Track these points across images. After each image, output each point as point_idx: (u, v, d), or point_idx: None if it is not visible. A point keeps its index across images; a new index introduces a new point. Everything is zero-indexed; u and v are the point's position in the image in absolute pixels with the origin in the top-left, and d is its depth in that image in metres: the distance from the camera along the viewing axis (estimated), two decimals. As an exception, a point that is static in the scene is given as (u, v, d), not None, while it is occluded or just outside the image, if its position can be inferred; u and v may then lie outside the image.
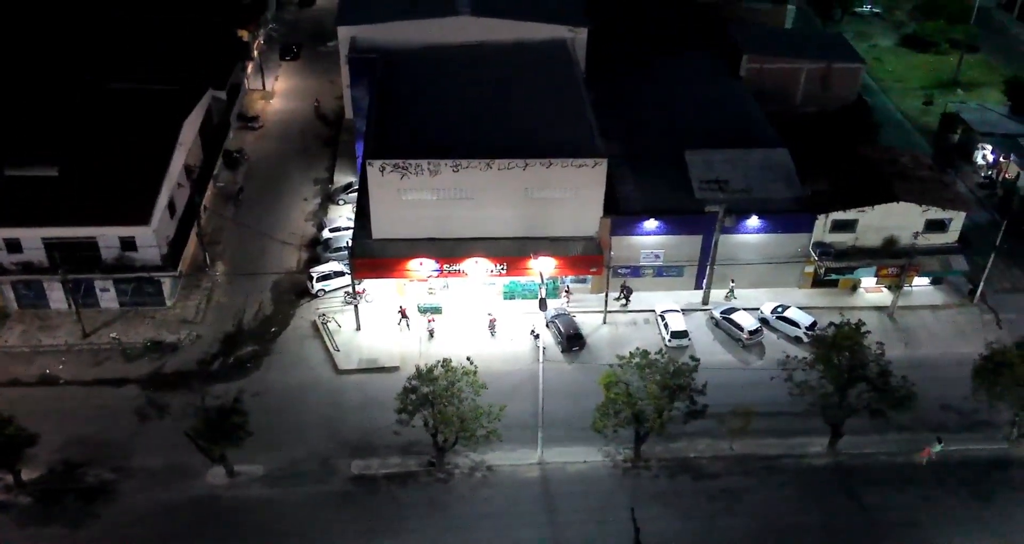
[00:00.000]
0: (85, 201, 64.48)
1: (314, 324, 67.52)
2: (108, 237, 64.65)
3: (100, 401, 60.82)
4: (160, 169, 67.68)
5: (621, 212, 66.63)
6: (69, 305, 66.71)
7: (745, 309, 67.48)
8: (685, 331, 65.50)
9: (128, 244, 64.96)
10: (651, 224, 66.46)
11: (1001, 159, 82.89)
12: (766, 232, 67.44)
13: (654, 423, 53.90)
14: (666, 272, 69.36)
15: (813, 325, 65.16)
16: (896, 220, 66.85)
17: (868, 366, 54.63)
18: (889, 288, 69.76)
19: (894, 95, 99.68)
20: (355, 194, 74.70)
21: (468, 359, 54.42)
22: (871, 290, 70.65)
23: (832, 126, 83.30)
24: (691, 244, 67.89)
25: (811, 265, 69.27)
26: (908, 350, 65.01)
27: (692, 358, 55.88)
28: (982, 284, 69.55)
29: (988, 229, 73.49)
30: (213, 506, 54.53)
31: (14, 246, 64.39)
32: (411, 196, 64.12)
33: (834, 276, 69.66)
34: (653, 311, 68.26)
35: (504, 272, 66.08)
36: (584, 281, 69.37)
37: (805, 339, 64.48)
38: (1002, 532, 53.54)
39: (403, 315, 66.30)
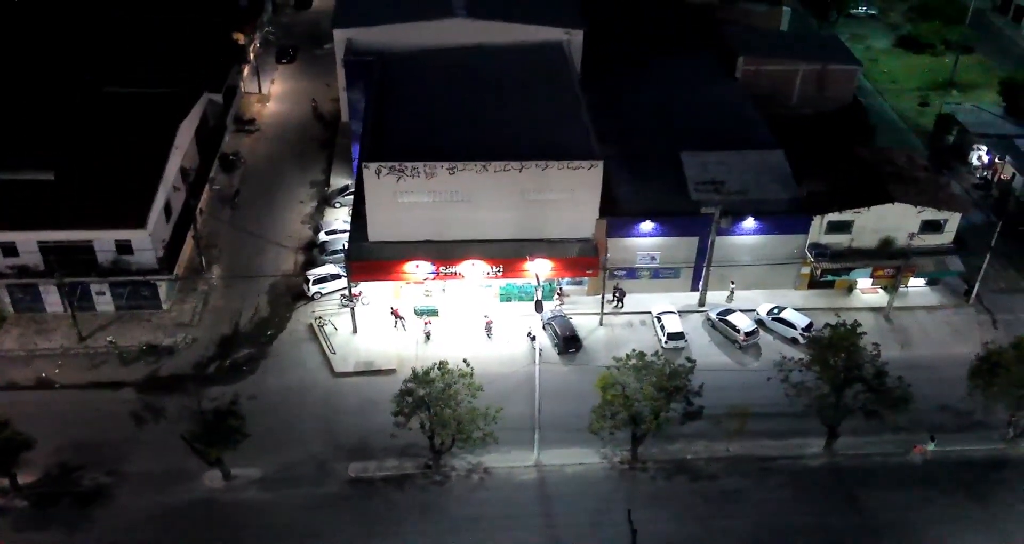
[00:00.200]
0: (81, 204, 64.43)
1: (310, 327, 67.51)
2: (104, 240, 64.61)
3: (96, 405, 60.77)
4: (156, 172, 67.67)
5: (617, 214, 66.67)
6: (65, 309, 66.66)
7: (741, 310, 67.56)
8: (681, 333, 65.56)
9: (124, 247, 64.91)
10: (647, 226, 66.53)
11: (996, 160, 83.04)
12: (762, 233, 67.51)
13: (651, 425, 53.98)
14: (662, 274, 69.40)
15: (809, 326, 65.25)
16: (892, 221, 66.96)
17: (864, 367, 54.73)
18: (885, 289, 69.83)
19: (890, 96, 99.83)
20: (351, 197, 74.71)
21: (464, 361, 54.43)
22: (867, 291, 70.75)
23: (828, 127, 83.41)
24: (687, 246, 67.95)
25: (807, 266, 69.35)
26: (904, 351, 65.12)
27: (688, 359, 55.92)
28: (978, 285, 69.66)
29: (984, 230, 73.57)
30: (209, 509, 54.51)
31: (10, 250, 64.31)
32: (407, 198, 64.14)
33: (830, 277, 69.73)
34: (649, 313, 68.31)
35: (500, 274, 66.09)
36: (581, 283, 69.41)
37: (801, 340, 64.56)
38: (998, 532, 53.63)
39: (396, 316, 66.32)
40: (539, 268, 65.05)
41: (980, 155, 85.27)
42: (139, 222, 64.38)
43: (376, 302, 68.43)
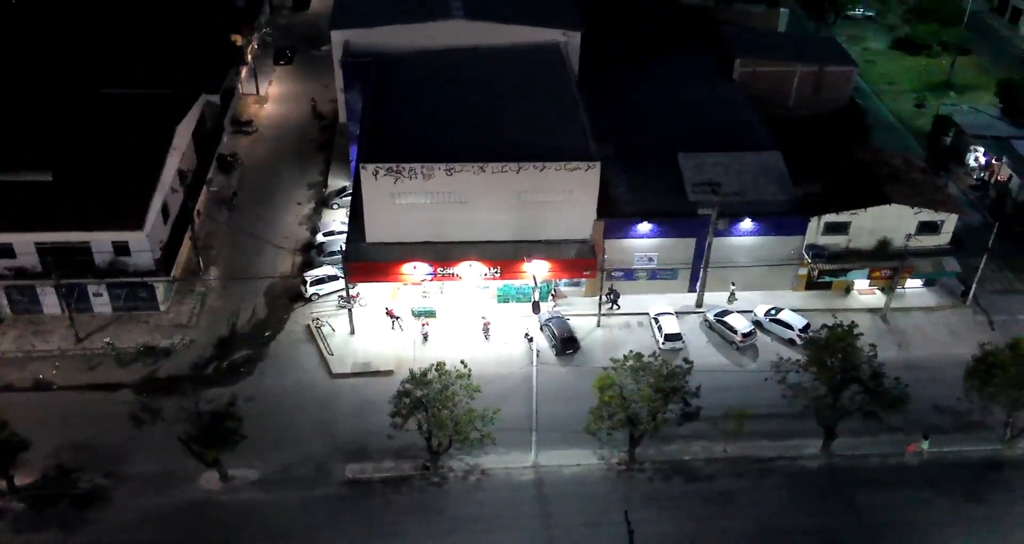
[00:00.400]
0: (78, 206, 64.40)
1: (308, 328, 67.52)
2: (101, 242, 64.56)
3: (94, 406, 60.75)
4: (153, 174, 67.65)
5: (614, 215, 66.73)
6: (62, 310, 66.62)
7: (739, 312, 67.62)
8: (679, 334, 65.61)
9: (121, 249, 64.88)
10: (644, 227, 66.58)
11: (993, 161, 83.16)
12: (759, 234, 67.59)
13: (648, 426, 54.01)
14: (660, 275, 69.46)
15: (806, 327, 65.32)
16: (889, 222, 67.07)
17: (861, 368, 54.75)
18: (882, 290, 69.92)
19: (887, 98, 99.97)
20: (349, 198, 74.75)
21: (462, 362, 54.49)
22: (864, 292, 70.83)
23: (825, 129, 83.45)
24: (684, 247, 68.02)
25: (804, 267, 69.43)
26: (901, 352, 65.24)
27: (686, 361, 55.92)
28: (975, 286, 69.76)
29: (980, 231, 73.66)
30: (207, 511, 54.49)
31: (7, 251, 64.25)
32: (405, 200, 64.18)
33: (827, 278, 69.78)
34: (647, 314, 68.36)
35: (498, 276, 66.11)
36: (579, 284, 69.45)
37: (798, 341, 64.62)
38: (996, 533, 53.68)
39: (391, 316, 66.35)
40: (537, 269, 65.08)
41: (977, 156, 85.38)
42: (136, 223, 64.35)
43: (373, 303, 68.42)
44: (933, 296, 71.11)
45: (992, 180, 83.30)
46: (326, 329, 67.00)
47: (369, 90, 73.14)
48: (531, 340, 64.46)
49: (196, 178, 77.28)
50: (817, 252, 67.96)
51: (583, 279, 68.55)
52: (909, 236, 66.97)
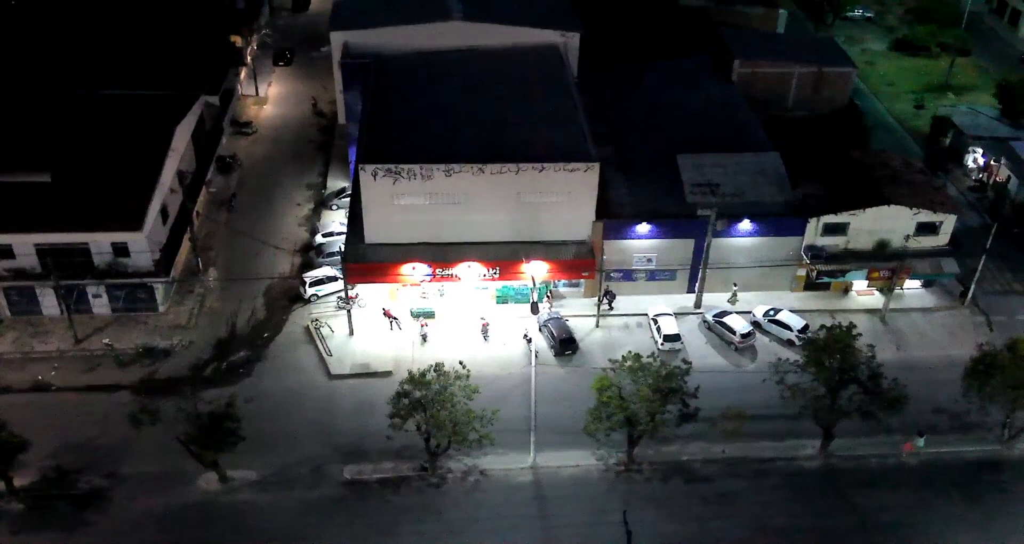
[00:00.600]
0: (77, 207, 64.46)
1: (307, 329, 67.55)
2: (100, 243, 64.61)
3: (92, 407, 60.77)
4: (152, 175, 67.70)
5: (613, 216, 66.79)
6: (61, 311, 66.64)
7: (737, 312, 67.67)
8: (677, 334, 65.66)
9: (121, 250, 64.92)
10: (643, 228, 66.63)
11: (992, 162, 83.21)
12: (758, 235, 67.64)
13: (647, 426, 54.02)
14: (659, 276, 69.50)
15: (805, 328, 65.36)
16: (887, 223, 67.12)
17: (859, 369, 54.79)
18: (881, 291, 69.96)
19: (885, 99, 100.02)
20: (348, 199, 74.80)
21: (461, 363, 54.51)
22: (863, 293, 70.87)
23: (823, 130, 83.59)
24: (683, 248, 68.07)
25: (803, 268, 69.47)
26: (900, 352, 65.28)
27: (684, 361, 56.00)
28: (973, 286, 69.82)
29: (979, 232, 73.76)
30: (206, 512, 54.52)
31: (6, 252, 64.30)
32: (404, 201, 64.23)
33: (826, 279, 69.83)
34: (646, 315, 68.40)
35: (497, 276, 66.16)
36: (577, 285, 69.50)
37: (797, 342, 64.67)
38: (993, 533, 53.72)
39: (388, 316, 66.42)
40: (535, 270, 65.13)
41: (976, 157, 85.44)
42: (135, 224, 64.41)
43: (372, 304, 68.45)
44: (931, 297, 71.17)
45: (990, 181, 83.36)
46: (325, 330, 67.04)
47: (368, 91, 73.21)
48: (530, 341, 64.50)
49: (195, 179, 77.34)
50: (816, 253, 68.02)
51: (582, 280, 68.58)
52: (908, 237, 67.03)
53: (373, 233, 65.93)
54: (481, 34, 79.25)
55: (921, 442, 57.95)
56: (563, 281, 69.03)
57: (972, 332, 67.39)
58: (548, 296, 68.78)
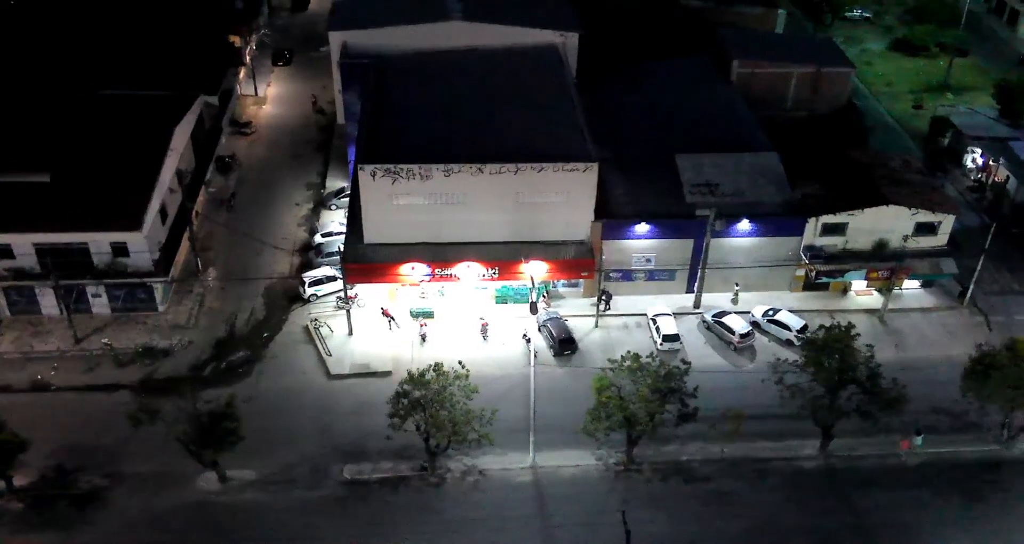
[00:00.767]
0: (77, 207, 64.46)
1: (306, 329, 67.57)
2: (100, 243, 64.63)
3: (92, 407, 60.84)
4: (152, 175, 67.71)
5: (612, 216, 66.82)
6: (61, 311, 66.66)
7: (736, 312, 67.72)
8: (677, 335, 65.70)
9: (120, 250, 64.94)
10: (642, 228, 66.67)
11: (990, 162, 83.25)
12: (757, 235, 67.69)
13: (646, 426, 54.04)
14: (658, 276, 69.55)
15: (804, 328, 65.41)
16: (886, 223, 67.18)
17: (858, 369, 54.84)
18: (879, 291, 70.02)
19: (884, 99, 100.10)
20: (347, 199, 74.81)
21: (460, 363, 54.56)
22: (862, 293, 70.92)
23: (822, 130, 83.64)
24: (682, 248, 68.11)
25: (802, 268, 69.52)
26: (898, 352, 65.32)
27: (683, 361, 56.06)
28: (972, 286, 69.88)
29: (978, 232, 73.85)
30: (205, 511, 54.55)
31: (6, 252, 64.32)
32: (403, 201, 64.26)
33: (825, 279, 69.89)
34: (645, 315, 68.44)
35: (496, 276, 66.19)
36: (576, 285, 69.54)
37: (796, 342, 64.70)
38: (993, 533, 53.76)
39: (387, 316, 66.48)
40: (535, 270, 65.16)
41: (974, 158, 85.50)
42: (135, 224, 64.42)
43: (372, 304, 68.48)
44: (930, 297, 71.21)
45: (989, 181, 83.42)
46: (324, 330, 67.06)
47: (367, 91, 73.23)
48: (529, 341, 64.50)
49: (194, 179, 77.37)
50: (815, 253, 68.07)
51: (581, 280, 68.61)
52: (906, 237, 67.09)
53: (372, 233, 65.96)
54: (480, 34, 79.24)
55: (919, 440, 58.04)
56: (562, 281, 69.06)
57: (971, 332, 67.41)
58: (544, 296, 68.78)
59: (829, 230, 67.64)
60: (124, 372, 63.72)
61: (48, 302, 67.05)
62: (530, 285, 65.39)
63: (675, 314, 67.97)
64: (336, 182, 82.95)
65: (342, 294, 66.98)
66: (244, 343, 66.50)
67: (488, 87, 74.79)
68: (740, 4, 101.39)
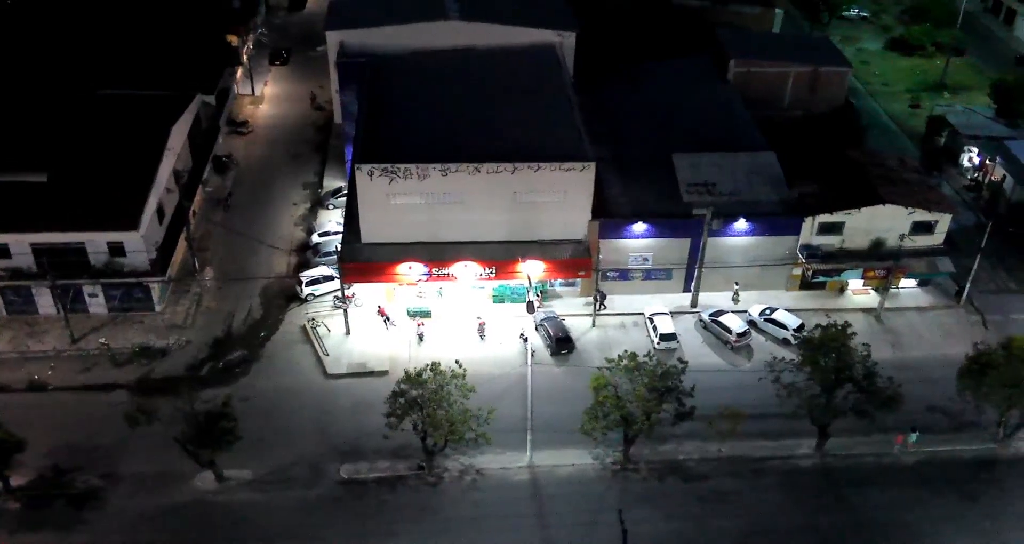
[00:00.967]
0: (74, 206, 64.40)
1: (303, 329, 67.58)
2: (97, 242, 64.58)
3: (89, 407, 60.80)
4: (149, 174, 67.67)
5: (609, 215, 66.87)
6: (58, 311, 66.61)
7: (733, 312, 67.80)
8: (674, 334, 65.76)
9: (117, 249, 64.90)
10: (639, 227, 66.72)
11: (987, 161, 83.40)
12: (754, 235, 67.75)
13: (643, 425, 54.11)
14: (655, 275, 69.60)
15: (801, 327, 65.48)
16: (883, 222, 67.28)
17: (855, 367, 54.94)
18: (876, 290, 70.15)
19: (881, 98, 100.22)
20: (344, 198, 74.81)
21: (457, 362, 54.57)
22: (858, 292, 71.03)
23: (819, 129, 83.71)
24: (679, 247, 68.17)
25: (799, 267, 69.60)
26: (895, 351, 65.43)
27: (680, 360, 56.14)
28: (968, 285, 69.99)
29: (974, 231, 73.97)
30: (202, 511, 54.54)
31: (2, 252, 64.26)
32: (400, 200, 64.28)
33: (822, 278, 70.00)
34: (642, 314, 68.49)
35: (493, 276, 66.24)
36: (573, 285, 69.59)
37: (793, 341, 64.79)
38: (989, 532, 53.89)
39: (382, 314, 66.46)
40: (532, 270, 65.19)
41: (971, 157, 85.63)
42: (132, 224, 64.38)
43: (369, 304, 68.50)
44: (927, 296, 71.33)
45: (986, 180, 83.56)
46: (321, 329, 67.07)
47: (364, 91, 73.22)
48: (526, 340, 64.53)
49: (191, 179, 77.24)
50: (811, 252, 68.16)
51: (578, 279, 68.65)
52: (903, 236, 67.19)
53: (369, 232, 65.97)
54: (477, 34, 79.20)
55: (914, 437, 58.14)
56: (559, 280, 69.09)
57: (967, 331, 67.52)
58: (537, 296, 68.77)
59: (826, 229, 67.72)
60: (121, 372, 63.70)
61: (45, 302, 67.00)
62: (527, 284, 65.41)
63: (672, 313, 68.05)
64: (333, 181, 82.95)
65: (339, 294, 66.96)
66: (241, 343, 66.49)
67: (485, 87, 74.80)
68: (737, 3, 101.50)
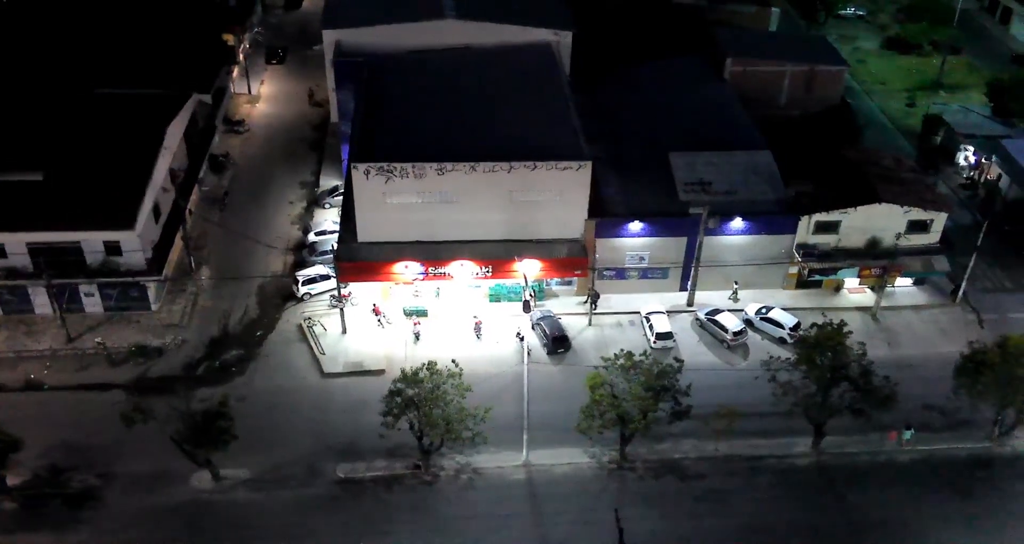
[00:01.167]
0: (70, 205, 64.32)
1: (300, 328, 67.55)
2: (93, 241, 64.51)
3: (85, 406, 60.72)
4: (145, 173, 67.60)
5: (606, 214, 66.90)
6: (54, 310, 66.54)
7: (730, 310, 67.85)
8: (670, 332, 65.81)
9: (113, 248, 64.84)
10: (636, 226, 66.75)
11: (983, 160, 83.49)
12: (750, 233, 67.80)
13: (639, 424, 54.16)
14: (651, 274, 69.64)
15: (797, 326, 65.55)
16: (879, 221, 67.33)
17: (851, 366, 55.02)
18: (872, 289, 70.23)
19: (877, 97, 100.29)
20: (341, 197, 74.77)
21: (453, 362, 54.58)
22: (854, 291, 71.10)
23: (816, 128, 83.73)
24: (676, 246, 68.19)
25: (795, 266, 69.66)
26: (891, 350, 65.51)
27: (676, 359, 56.15)
28: (964, 284, 70.08)
29: (970, 230, 74.06)
30: (199, 510, 54.54)
31: (-2, 251, 64.34)
32: (396, 199, 64.27)
33: (818, 277, 70.08)
34: (638, 313, 68.53)
35: (489, 275, 66.25)
36: (570, 283, 69.61)
37: (789, 340, 64.87)
38: (985, 530, 53.99)
39: (376, 313, 66.45)
40: (528, 269, 65.20)
41: (967, 155, 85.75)
42: (128, 223, 64.31)
43: (365, 303, 68.48)
44: (923, 294, 71.39)
45: (982, 179, 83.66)
46: (318, 329, 67.05)
47: (361, 90, 73.21)
48: (522, 339, 64.53)
49: (188, 178, 77.17)
50: (808, 251, 68.22)
51: (574, 278, 68.66)
52: (899, 235, 67.26)
53: (366, 231, 65.95)
54: (474, 33, 79.22)
55: (908, 434, 58.22)
56: (555, 279, 69.11)
57: (963, 330, 67.60)
58: (531, 295, 68.76)
59: (822, 228, 67.78)
60: (117, 371, 63.66)
61: (41, 301, 66.92)
62: (524, 283, 65.43)
63: (668, 312, 68.09)
64: (330, 180, 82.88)
65: (336, 293, 66.95)
66: (237, 342, 66.45)
67: (482, 85, 74.80)
68: (734, 2, 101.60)
